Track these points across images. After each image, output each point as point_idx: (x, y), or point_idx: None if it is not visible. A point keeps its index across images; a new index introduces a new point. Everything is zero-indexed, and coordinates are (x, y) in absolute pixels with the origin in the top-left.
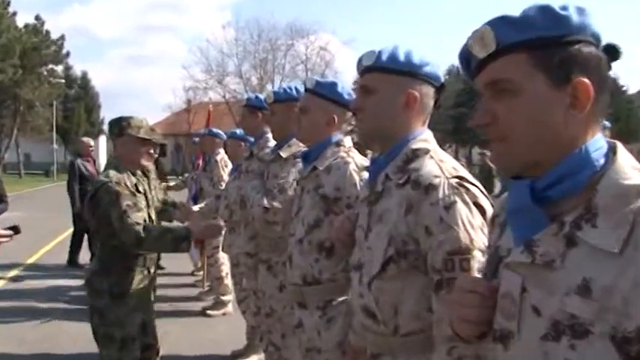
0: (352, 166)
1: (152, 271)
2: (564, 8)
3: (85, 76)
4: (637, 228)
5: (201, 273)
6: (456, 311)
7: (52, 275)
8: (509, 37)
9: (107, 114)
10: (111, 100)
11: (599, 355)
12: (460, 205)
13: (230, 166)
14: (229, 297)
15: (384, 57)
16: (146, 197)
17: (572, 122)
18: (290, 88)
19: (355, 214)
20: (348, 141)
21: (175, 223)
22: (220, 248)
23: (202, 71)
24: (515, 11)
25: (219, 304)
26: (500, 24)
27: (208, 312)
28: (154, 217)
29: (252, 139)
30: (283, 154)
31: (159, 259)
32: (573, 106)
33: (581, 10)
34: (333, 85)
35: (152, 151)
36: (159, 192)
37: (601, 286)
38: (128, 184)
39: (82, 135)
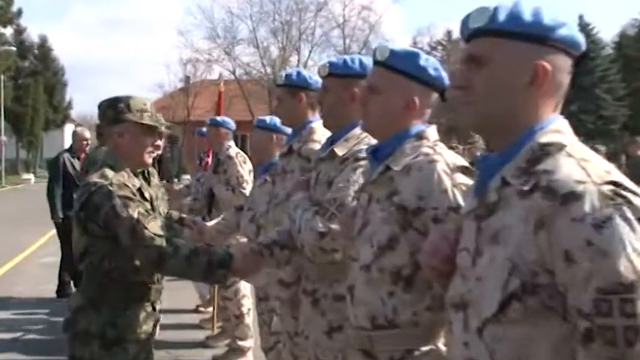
0: (441, 166)
1: (158, 307)
2: None
3: (44, 43)
4: None
5: (211, 309)
6: None
7: (4, 317)
8: None
9: (76, 95)
10: (81, 77)
11: None
12: (619, 222)
13: (249, 163)
14: (250, 342)
15: (503, 16)
16: (153, 207)
17: None
18: (352, 61)
19: (454, 230)
20: (433, 132)
21: None
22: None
23: (205, 38)
24: None
25: (235, 351)
26: None
27: None
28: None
29: (288, 131)
30: (339, 150)
31: None
32: None
33: None
34: (414, 56)
35: (159, 142)
36: (162, 203)
37: None
38: (131, 187)
39: (40, 124)
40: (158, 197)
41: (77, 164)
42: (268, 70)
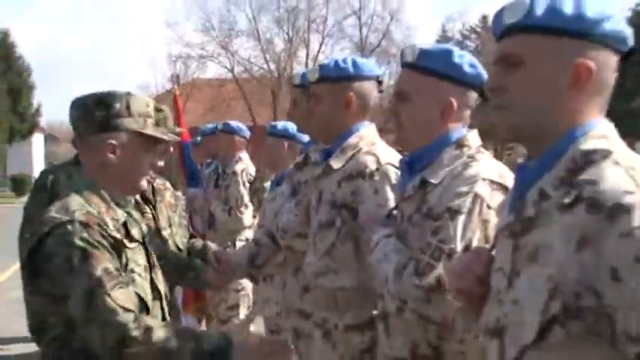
0: (483, 177)
1: None
2: None
3: (5, 39)
4: None
5: None
6: None
7: None
8: None
9: (45, 98)
10: (51, 77)
11: None
12: None
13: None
14: None
15: (540, 10)
16: (146, 250)
17: None
18: (345, 62)
19: (488, 249)
20: (474, 137)
21: None
22: (244, 308)
23: (197, 30)
24: None
25: None
26: None
27: None
28: (162, 290)
29: (306, 138)
30: (335, 163)
31: None
32: None
33: None
34: (447, 53)
35: (160, 161)
36: (179, 229)
37: None
38: (110, 225)
39: (3, 135)
40: (174, 222)
41: None
42: (272, 66)
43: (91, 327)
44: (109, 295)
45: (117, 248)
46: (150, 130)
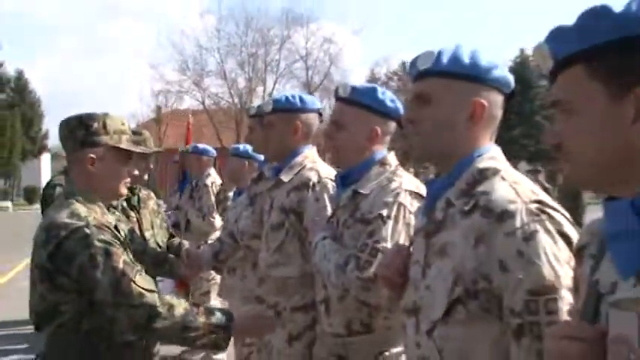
0: (405, 189)
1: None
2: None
3: (20, 77)
4: None
5: None
6: None
7: None
8: (563, 50)
9: (52, 126)
10: (57, 108)
11: None
12: (542, 234)
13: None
14: (222, 355)
15: (445, 59)
16: (125, 246)
17: None
18: (293, 97)
19: (407, 246)
20: (393, 158)
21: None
22: (214, 294)
23: (175, 70)
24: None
25: None
26: (552, 36)
27: None
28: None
29: (261, 158)
30: (285, 177)
31: None
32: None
33: None
34: (373, 91)
35: (137, 171)
36: (160, 231)
37: None
38: (110, 227)
39: (17, 154)
40: (156, 225)
41: None
42: (236, 100)
43: (120, 310)
44: (133, 281)
45: (123, 246)
46: (124, 145)
